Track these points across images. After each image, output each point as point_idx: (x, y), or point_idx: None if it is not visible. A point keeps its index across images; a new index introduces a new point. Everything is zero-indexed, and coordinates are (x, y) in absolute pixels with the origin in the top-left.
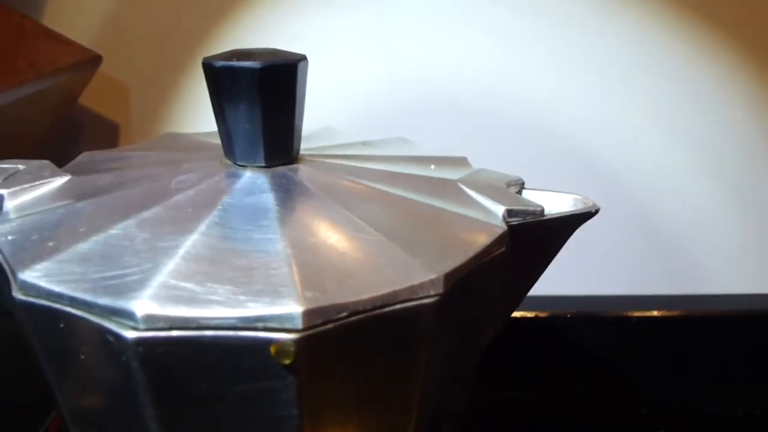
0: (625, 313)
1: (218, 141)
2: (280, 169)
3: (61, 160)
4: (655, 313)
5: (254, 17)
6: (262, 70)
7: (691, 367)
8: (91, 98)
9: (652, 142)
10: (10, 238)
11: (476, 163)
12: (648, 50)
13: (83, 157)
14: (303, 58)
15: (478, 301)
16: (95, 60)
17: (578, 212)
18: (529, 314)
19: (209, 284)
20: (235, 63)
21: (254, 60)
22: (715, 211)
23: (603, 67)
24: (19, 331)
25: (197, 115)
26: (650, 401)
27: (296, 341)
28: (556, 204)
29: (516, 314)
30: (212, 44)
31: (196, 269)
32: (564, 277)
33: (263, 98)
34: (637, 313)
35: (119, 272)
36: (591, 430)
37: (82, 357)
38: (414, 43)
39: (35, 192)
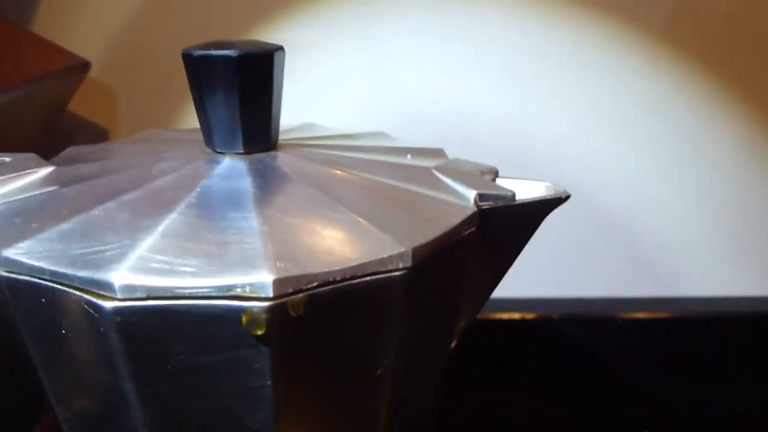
0: (611, 315)
1: (200, 135)
2: (258, 155)
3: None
4: (640, 314)
5: (240, 18)
6: (239, 58)
7: (677, 368)
8: (79, 104)
9: (631, 149)
10: None
11: None
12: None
13: (69, 150)
14: (280, 47)
15: (448, 281)
16: (84, 66)
17: (549, 198)
18: (516, 315)
19: (185, 258)
20: (213, 51)
21: (232, 49)
22: (695, 217)
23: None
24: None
25: (185, 120)
26: (636, 402)
27: (267, 309)
28: (528, 191)
29: (503, 316)
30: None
31: (173, 244)
32: (550, 280)
33: (241, 86)
34: (623, 315)
35: (99, 248)
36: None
37: (64, 331)
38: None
39: (20, 181)
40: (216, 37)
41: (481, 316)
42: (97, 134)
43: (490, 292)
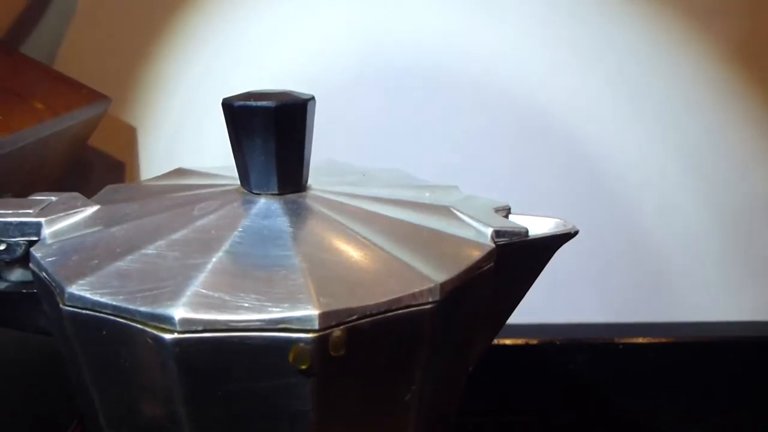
0: (612, 340)
1: (227, 174)
2: (291, 196)
3: None
4: (641, 339)
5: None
6: (276, 109)
7: (678, 392)
8: (97, 138)
9: (651, 170)
10: (52, 258)
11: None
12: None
13: (107, 189)
14: (311, 98)
15: (469, 311)
16: (105, 102)
17: (559, 233)
18: (520, 341)
19: (236, 293)
20: (252, 103)
21: (269, 100)
22: (699, 245)
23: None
24: (47, 347)
25: (199, 155)
26: (636, 426)
27: (313, 340)
28: (539, 227)
29: (507, 341)
30: (213, 86)
31: (223, 281)
32: (553, 306)
33: (277, 134)
34: (623, 340)
35: (155, 284)
36: None
37: (123, 361)
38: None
39: (69, 220)
40: (226, 66)
41: None
42: (114, 168)
43: (505, 320)
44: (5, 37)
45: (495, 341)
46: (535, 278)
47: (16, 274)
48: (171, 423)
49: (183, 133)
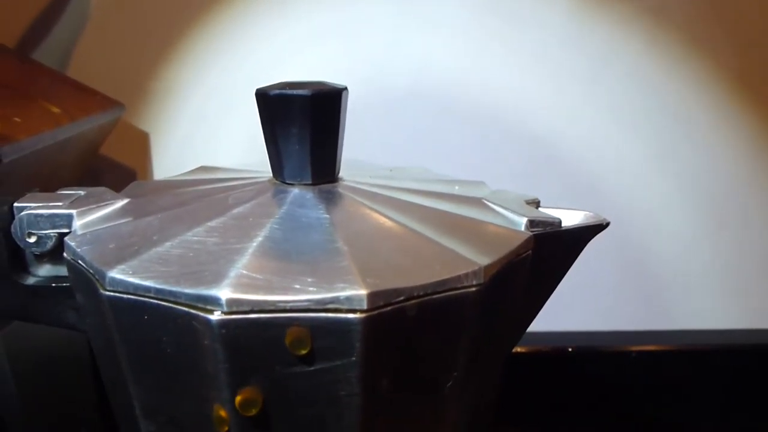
0: (624, 348)
1: (254, 170)
2: (325, 186)
3: None
4: (652, 347)
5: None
6: (312, 97)
7: (689, 400)
8: (108, 144)
9: (650, 183)
10: (88, 247)
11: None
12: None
13: (133, 185)
14: (345, 88)
15: (508, 298)
16: (119, 108)
17: (591, 224)
18: (532, 348)
19: (282, 275)
20: (288, 91)
21: (305, 89)
22: (708, 251)
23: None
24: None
25: (210, 160)
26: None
27: (362, 320)
28: (570, 218)
29: (519, 349)
30: (224, 92)
31: (266, 264)
32: (565, 315)
33: (312, 122)
34: (635, 348)
35: (197, 268)
36: None
37: (164, 346)
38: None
39: (100, 212)
40: (241, 80)
41: None
42: (125, 173)
43: (537, 312)
44: (19, 44)
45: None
46: (567, 270)
47: (45, 269)
48: (212, 410)
49: (195, 139)
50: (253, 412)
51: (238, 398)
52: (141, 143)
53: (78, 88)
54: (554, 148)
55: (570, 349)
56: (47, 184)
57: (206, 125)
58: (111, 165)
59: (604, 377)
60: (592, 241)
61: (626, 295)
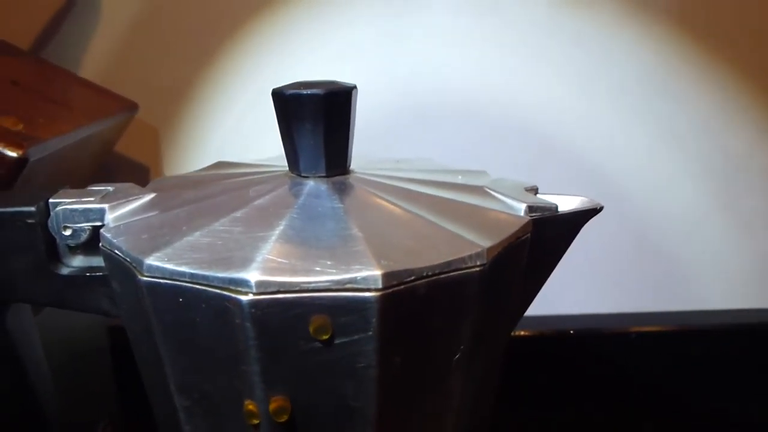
0: (625, 329)
1: (269, 164)
2: (338, 177)
3: None
4: (653, 328)
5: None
6: (325, 96)
7: (692, 380)
8: (124, 143)
9: (649, 163)
10: (123, 237)
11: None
12: (660, 79)
13: (156, 181)
14: (354, 86)
15: (509, 278)
16: (133, 107)
17: (586, 209)
18: (534, 332)
19: (303, 259)
20: (303, 91)
21: (318, 88)
22: (706, 233)
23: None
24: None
25: (221, 156)
26: (650, 413)
27: (378, 299)
28: (566, 204)
29: (522, 332)
30: (236, 91)
31: (289, 249)
32: (566, 298)
33: (325, 119)
34: (635, 329)
35: (227, 254)
36: None
37: (198, 328)
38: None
39: (130, 206)
40: (250, 78)
41: None
42: (138, 171)
43: (537, 291)
44: (33, 47)
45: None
46: (564, 251)
47: (78, 260)
48: (242, 384)
49: (206, 137)
50: (285, 418)
51: (272, 406)
52: (153, 141)
53: (93, 89)
54: (554, 138)
55: (572, 332)
56: (66, 181)
57: (215, 122)
58: (125, 162)
59: (605, 358)
60: (602, 226)
61: (626, 278)
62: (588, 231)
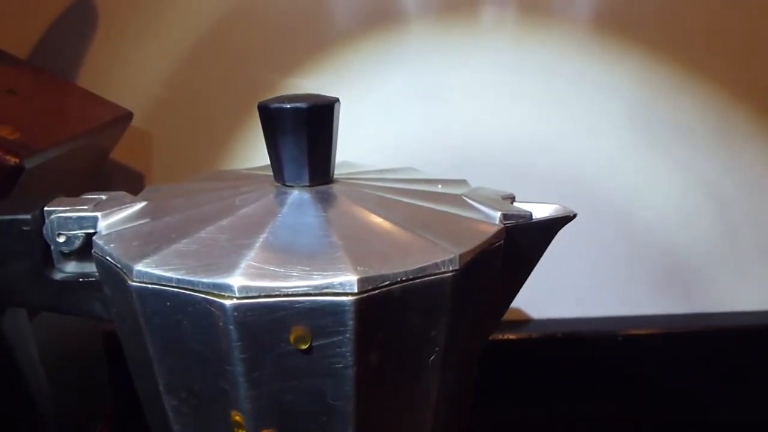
0: (611, 332)
1: (259, 173)
2: (321, 187)
3: None
4: (640, 331)
5: (269, 78)
6: (308, 109)
7: (674, 382)
8: (119, 151)
9: (634, 168)
10: (114, 245)
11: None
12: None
13: (149, 189)
14: (336, 100)
15: (483, 283)
16: (128, 116)
17: (559, 216)
18: (523, 335)
19: (284, 266)
20: (286, 105)
21: (301, 102)
22: (694, 231)
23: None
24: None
25: (216, 164)
26: (637, 414)
27: (353, 302)
28: (541, 211)
29: (511, 336)
30: (233, 101)
31: (271, 256)
32: (554, 302)
33: (308, 131)
34: (622, 332)
35: (212, 261)
36: None
37: (184, 329)
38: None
39: (121, 213)
40: (243, 87)
41: (492, 337)
42: (132, 178)
43: (512, 298)
44: (31, 57)
45: (499, 336)
46: (538, 259)
47: (72, 266)
48: (226, 383)
49: (200, 144)
50: None
51: None
52: (148, 148)
53: (89, 97)
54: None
55: (559, 335)
56: (62, 188)
57: (210, 129)
58: (120, 169)
59: (592, 360)
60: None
61: (612, 282)
62: (585, 237)
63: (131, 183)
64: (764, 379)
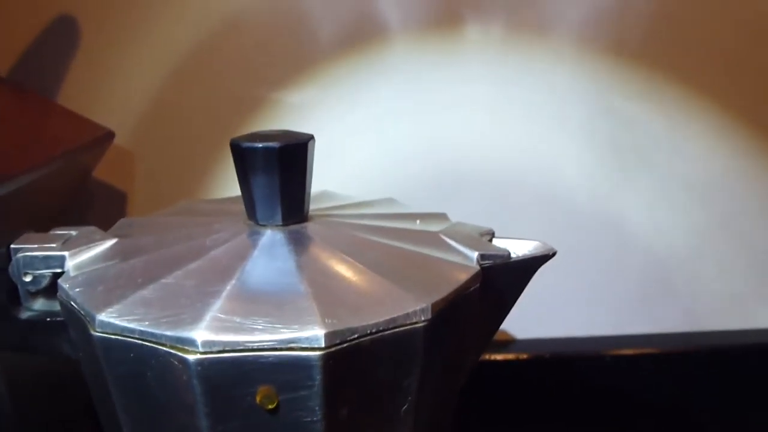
0: (599, 352)
1: (231, 206)
2: (294, 227)
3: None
4: (628, 351)
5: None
6: (280, 149)
7: (663, 403)
8: (99, 169)
9: (623, 186)
10: (79, 289)
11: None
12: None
13: (122, 222)
14: (311, 137)
15: (459, 328)
16: (110, 136)
17: (538, 254)
18: (510, 356)
19: (250, 317)
20: (258, 144)
21: (273, 141)
22: (681, 252)
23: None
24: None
25: (198, 184)
26: None
27: (320, 357)
28: (520, 248)
29: (498, 357)
30: (217, 119)
31: (237, 306)
32: (541, 322)
33: (280, 171)
34: (610, 352)
35: (177, 311)
36: None
37: (148, 380)
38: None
39: (90, 252)
40: (227, 104)
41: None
42: (115, 197)
43: (492, 336)
44: (11, 74)
45: (487, 357)
46: (517, 297)
47: (40, 304)
48: None
49: (182, 164)
50: None
51: None
52: (131, 167)
53: (70, 117)
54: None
55: (547, 356)
56: (41, 211)
57: (193, 149)
58: (102, 187)
59: (580, 381)
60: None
61: (600, 303)
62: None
63: (114, 202)
64: (754, 398)
